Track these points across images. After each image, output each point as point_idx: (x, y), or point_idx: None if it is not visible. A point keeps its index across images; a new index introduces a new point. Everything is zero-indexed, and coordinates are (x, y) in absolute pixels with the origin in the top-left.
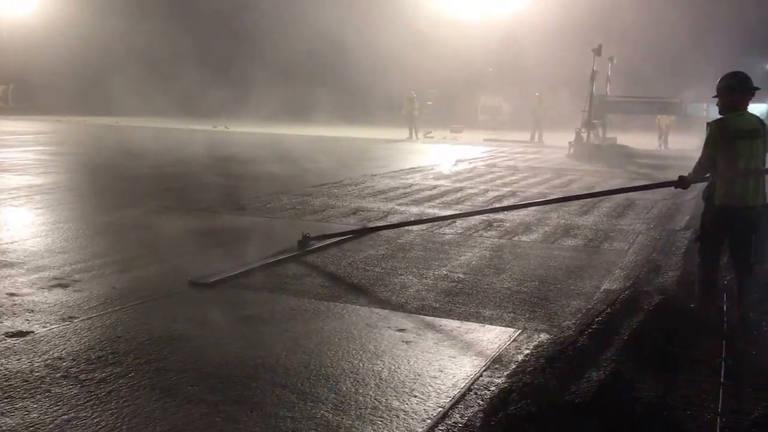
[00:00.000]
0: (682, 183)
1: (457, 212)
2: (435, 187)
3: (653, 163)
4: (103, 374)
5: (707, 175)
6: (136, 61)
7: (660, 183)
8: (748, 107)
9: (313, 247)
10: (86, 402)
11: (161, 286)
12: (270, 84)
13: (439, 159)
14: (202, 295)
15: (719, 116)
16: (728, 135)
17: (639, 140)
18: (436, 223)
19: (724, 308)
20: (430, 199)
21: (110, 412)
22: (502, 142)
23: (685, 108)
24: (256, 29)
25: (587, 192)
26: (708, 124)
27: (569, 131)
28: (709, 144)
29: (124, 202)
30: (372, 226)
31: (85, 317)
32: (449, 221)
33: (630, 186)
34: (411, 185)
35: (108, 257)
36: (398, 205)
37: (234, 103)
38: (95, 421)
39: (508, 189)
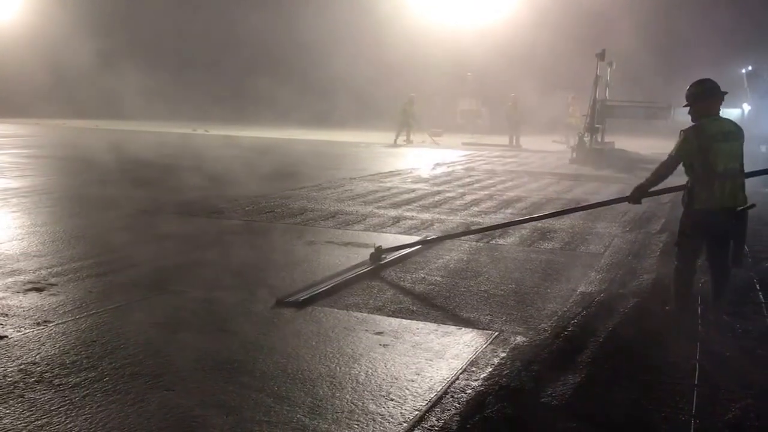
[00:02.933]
0: (633, 197)
1: (526, 217)
2: (413, 190)
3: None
4: (78, 379)
5: (661, 184)
6: (116, 63)
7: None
8: (720, 112)
9: (387, 260)
10: (60, 407)
11: (138, 290)
12: (251, 87)
13: (418, 162)
14: (177, 300)
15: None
16: (705, 140)
17: (630, 143)
18: (414, 226)
19: (699, 311)
20: (409, 202)
21: (84, 417)
22: (481, 146)
23: (673, 112)
24: (242, 32)
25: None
26: (682, 131)
27: (548, 135)
28: (680, 151)
29: (101, 206)
30: (438, 236)
31: (60, 321)
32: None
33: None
34: (389, 188)
35: (84, 261)
36: (377, 208)
37: (214, 105)
38: (69, 426)
39: (486, 192)
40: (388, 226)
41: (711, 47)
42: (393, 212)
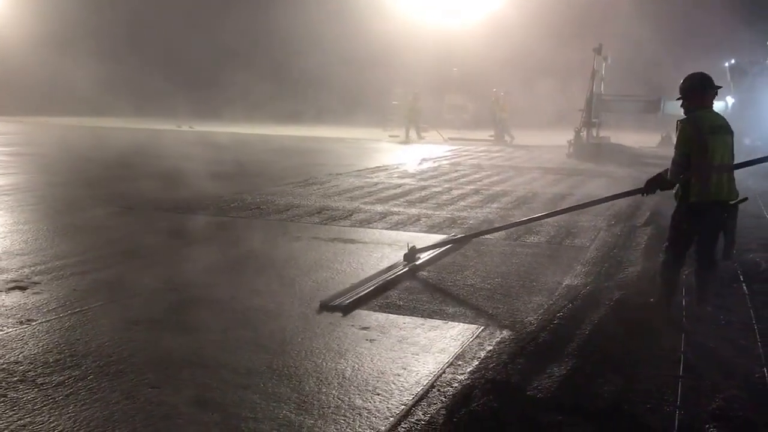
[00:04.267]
0: (649, 187)
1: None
2: (400, 185)
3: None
4: (61, 378)
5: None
6: (99, 59)
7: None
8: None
9: (421, 260)
10: (43, 406)
11: (122, 288)
12: (233, 83)
13: (404, 158)
14: (162, 298)
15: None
16: (702, 131)
17: (619, 138)
18: (401, 221)
19: (683, 303)
20: (395, 197)
21: (68, 416)
22: (467, 141)
23: (663, 105)
24: (225, 29)
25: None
26: (679, 121)
27: (531, 130)
28: (682, 142)
29: (85, 203)
30: (469, 234)
31: (43, 320)
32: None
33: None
34: (376, 184)
35: (68, 259)
36: (363, 203)
37: (199, 101)
38: (52, 425)
39: (472, 187)
40: (375, 222)
41: (694, 41)
42: (380, 207)
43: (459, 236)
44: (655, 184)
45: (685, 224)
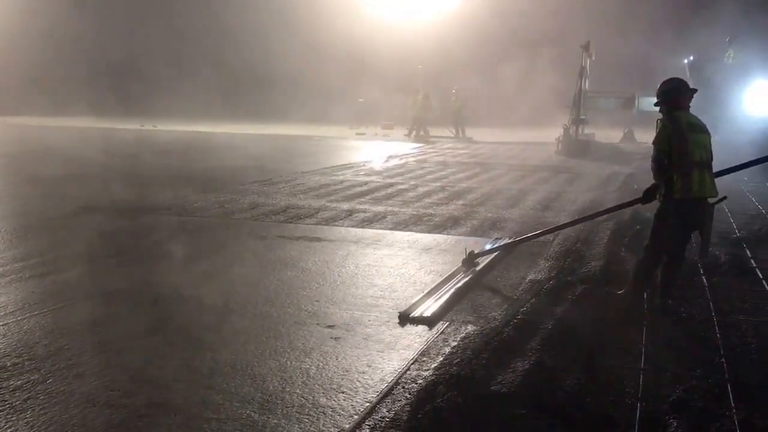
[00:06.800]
0: (647, 196)
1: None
2: (366, 183)
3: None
4: (19, 382)
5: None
6: (61, 58)
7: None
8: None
9: (481, 265)
10: None
11: (82, 289)
12: (200, 82)
13: (371, 155)
14: (122, 299)
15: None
16: (681, 128)
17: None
18: (367, 219)
19: (645, 296)
20: (361, 195)
21: (25, 421)
22: (433, 138)
23: (638, 102)
24: (191, 27)
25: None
26: (658, 120)
27: (489, 127)
28: (660, 140)
29: (42, 205)
30: (522, 237)
31: (1, 323)
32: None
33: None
34: (342, 182)
35: (27, 261)
36: (329, 201)
37: (163, 100)
38: (9, 431)
39: (438, 184)
40: (341, 219)
41: (652, 38)
42: (346, 205)
43: (513, 239)
44: (651, 193)
45: (672, 220)
